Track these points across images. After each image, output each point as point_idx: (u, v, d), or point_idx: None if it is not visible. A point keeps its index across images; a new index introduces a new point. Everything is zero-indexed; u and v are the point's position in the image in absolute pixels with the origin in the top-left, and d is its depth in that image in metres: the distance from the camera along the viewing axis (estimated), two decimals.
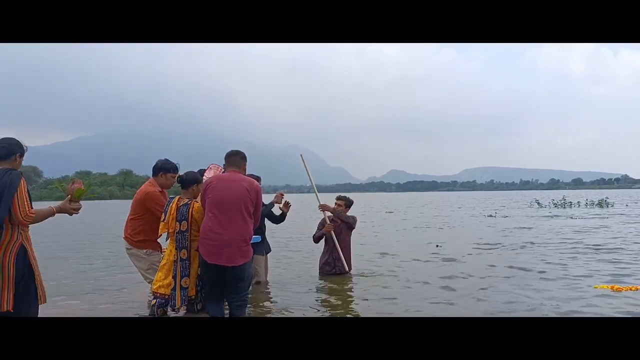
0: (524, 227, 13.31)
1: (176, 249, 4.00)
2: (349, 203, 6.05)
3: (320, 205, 5.81)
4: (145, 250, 4.38)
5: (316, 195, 5.95)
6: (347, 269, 5.93)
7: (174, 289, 3.98)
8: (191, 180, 4.14)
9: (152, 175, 4.46)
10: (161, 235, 4.14)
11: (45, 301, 3.09)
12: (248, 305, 4.23)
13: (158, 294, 3.97)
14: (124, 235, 4.50)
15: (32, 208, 2.93)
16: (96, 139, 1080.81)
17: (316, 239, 6.07)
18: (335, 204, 6.03)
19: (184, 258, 4.00)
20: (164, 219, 4.04)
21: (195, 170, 4.56)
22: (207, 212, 3.80)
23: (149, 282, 4.43)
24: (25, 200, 2.89)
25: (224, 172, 4.39)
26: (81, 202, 3.22)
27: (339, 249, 5.80)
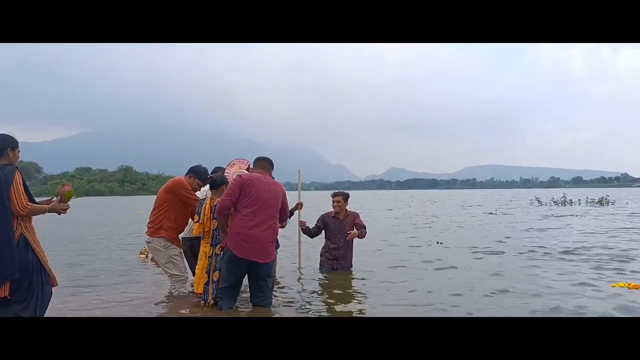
0: (533, 228, 13.29)
1: (211, 245, 4.24)
2: (346, 197, 6.06)
3: (350, 235, 5.73)
4: (163, 243, 4.53)
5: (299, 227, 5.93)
6: (350, 266, 6.01)
7: (207, 283, 4.23)
8: (221, 182, 4.45)
9: (185, 175, 4.77)
10: (198, 233, 4.39)
11: (56, 283, 3.35)
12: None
13: (197, 294, 4.36)
14: (146, 230, 4.71)
15: (29, 201, 3.08)
16: (96, 136, 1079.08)
17: (313, 234, 6.04)
18: (334, 201, 5.99)
19: (219, 253, 4.21)
20: (198, 220, 4.29)
21: (204, 168, 4.89)
22: (242, 209, 3.95)
23: (169, 276, 4.70)
24: (21, 192, 3.03)
25: (248, 169, 4.73)
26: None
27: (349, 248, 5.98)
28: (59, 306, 4.40)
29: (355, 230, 5.77)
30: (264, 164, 4.28)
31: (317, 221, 6.08)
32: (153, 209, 4.65)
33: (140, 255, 7.77)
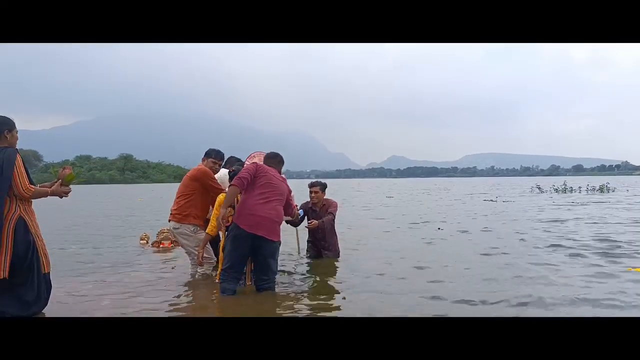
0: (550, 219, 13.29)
1: None
2: (324, 187, 5.98)
3: (310, 225, 5.71)
4: (192, 228, 4.83)
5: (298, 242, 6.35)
6: (337, 254, 6.00)
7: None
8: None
9: (202, 162, 5.04)
10: (227, 225, 4.47)
11: (49, 269, 3.33)
12: (241, 282, 4.43)
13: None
14: (169, 218, 4.95)
15: (30, 184, 3.11)
16: (96, 123, 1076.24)
17: (297, 224, 5.92)
18: (311, 192, 5.90)
19: None
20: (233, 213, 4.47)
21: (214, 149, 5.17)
22: (254, 191, 4.16)
23: (194, 261, 4.95)
24: (23, 174, 3.06)
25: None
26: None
27: (329, 236, 5.90)
28: (77, 288, 4.47)
29: (315, 222, 5.65)
30: (274, 161, 4.52)
31: (299, 207, 6.06)
32: (178, 197, 4.89)
33: (141, 241, 7.82)
